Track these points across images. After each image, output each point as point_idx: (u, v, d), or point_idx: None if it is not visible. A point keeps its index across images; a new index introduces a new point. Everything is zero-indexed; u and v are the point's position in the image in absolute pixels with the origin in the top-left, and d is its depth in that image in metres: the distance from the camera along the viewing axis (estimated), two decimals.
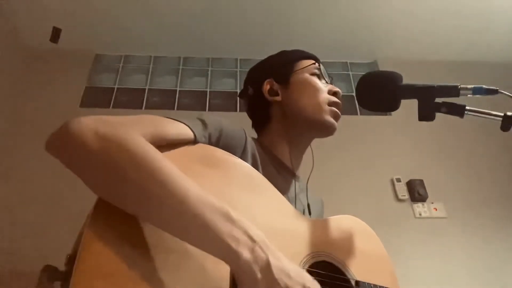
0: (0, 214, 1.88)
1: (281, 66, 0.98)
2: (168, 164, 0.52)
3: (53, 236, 1.53)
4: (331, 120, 0.91)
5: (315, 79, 0.95)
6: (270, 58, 1.05)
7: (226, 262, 0.50)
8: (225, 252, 0.49)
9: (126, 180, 0.49)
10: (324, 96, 0.92)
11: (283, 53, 1.04)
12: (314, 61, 0.98)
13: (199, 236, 0.50)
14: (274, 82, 0.96)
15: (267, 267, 0.49)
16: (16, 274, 1.61)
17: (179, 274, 0.51)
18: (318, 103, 0.91)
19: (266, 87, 0.96)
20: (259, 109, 0.99)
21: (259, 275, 0.48)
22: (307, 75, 0.95)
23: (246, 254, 0.49)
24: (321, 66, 0.98)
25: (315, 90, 0.93)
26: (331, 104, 0.92)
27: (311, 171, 0.97)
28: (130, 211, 0.51)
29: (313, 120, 0.91)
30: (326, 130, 0.91)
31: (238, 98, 2.48)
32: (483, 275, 1.98)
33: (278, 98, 0.95)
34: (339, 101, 0.94)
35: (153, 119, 0.63)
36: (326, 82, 0.97)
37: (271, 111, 0.97)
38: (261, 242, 0.51)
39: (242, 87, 1.05)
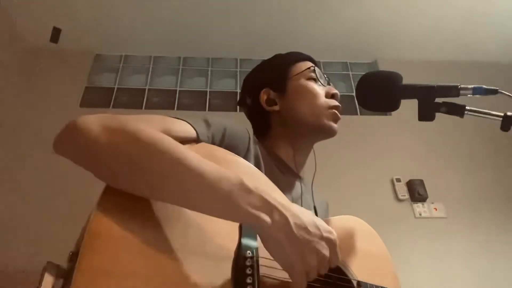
0: (0, 213, 1.88)
1: (276, 74, 0.97)
2: (180, 145, 0.55)
3: (54, 235, 1.53)
4: (331, 124, 0.91)
5: (311, 84, 0.94)
6: (265, 63, 1.04)
7: (248, 226, 0.54)
8: (246, 218, 0.52)
9: (142, 163, 0.51)
10: (323, 101, 0.92)
11: (277, 58, 1.02)
12: (309, 65, 0.97)
13: (219, 206, 0.52)
14: (271, 91, 0.95)
15: (287, 226, 0.53)
16: (17, 274, 1.61)
17: (183, 272, 0.51)
18: (317, 109, 0.91)
19: (263, 97, 0.95)
20: (259, 119, 0.99)
21: (281, 235, 0.52)
22: (303, 80, 0.94)
23: (265, 217, 0.52)
24: (316, 69, 0.96)
25: (313, 96, 0.92)
26: (330, 107, 0.92)
27: (314, 173, 0.97)
28: (147, 194, 0.53)
29: (314, 126, 0.91)
30: (327, 134, 0.92)
31: (238, 98, 2.49)
32: (483, 275, 1.98)
33: (276, 108, 0.94)
34: (338, 104, 0.93)
35: (157, 117, 0.63)
36: (323, 84, 0.96)
37: (270, 120, 0.97)
38: (278, 205, 0.54)
39: (242, 88, 1.04)
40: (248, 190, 0.53)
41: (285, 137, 0.94)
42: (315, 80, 0.95)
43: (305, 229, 0.54)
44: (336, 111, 0.92)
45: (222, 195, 0.52)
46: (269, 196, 0.54)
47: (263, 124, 0.98)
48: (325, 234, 0.56)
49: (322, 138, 0.95)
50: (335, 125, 0.91)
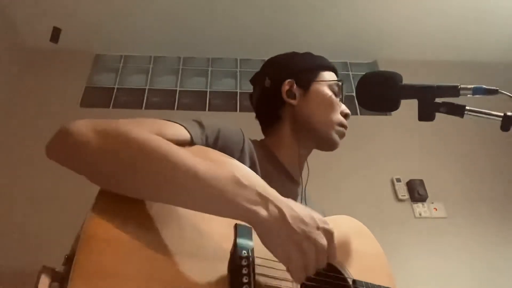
0: None
1: (306, 71, 0.98)
2: (172, 145, 0.55)
3: (53, 236, 1.53)
4: (338, 139, 0.95)
5: (333, 97, 0.96)
6: (296, 56, 1.03)
7: (245, 222, 0.54)
8: (242, 213, 0.53)
9: (134, 164, 0.51)
10: (337, 117, 0.95)
11: (309, 56, 1.03)
12: (337, 79, 1.00)
13: (214, 203, 0.53)
14: (295, 85, 0.96)
15: (283, 219, 0.53)
16: (16, 274, 1.61)
17: (180, 273, 0.51)
18: (330, 122, 0.93)
19: (286, 87, 0.96)
20: (271, 106, 0.98)
21: (278, 228, 0.52)
22: (327, 89, 0.96)
23: (262, 211, 0.52)
24: (342, 85, 1.00)
25: (331, 108, 0.95)
26: (341, 125, 0.95)
27: (307, 179, 0.98)
28: (141, 195, 0.53)
29: (322, 135, 0.93)
30: (329, 146, 0.96)
31: (238, 98, 2.48)
32: (483, 275, 1.98)
33: (294, 102, 0.95)
34: (347, 125, 0.97)
35: (149, 120, 0.63)
36: (340, 100, 0.98)
37: (282, 112, 0.97)
38: (273, 198, 0.55)
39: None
40: (242, 185, 0.53)
41: (291, 134, 0.95)
42: (336, 94, 0.97)
43: (301, 220, 0.54)
44: (344, 130, 0.96)
45: (217, 191, 0.52)
46: (264, 189, 0.55)
47: (274, 113, 0.98)
48: (321, 225, 0.56)
49: (322, 148, 0.98)
50: (339, 141, 0.95)
